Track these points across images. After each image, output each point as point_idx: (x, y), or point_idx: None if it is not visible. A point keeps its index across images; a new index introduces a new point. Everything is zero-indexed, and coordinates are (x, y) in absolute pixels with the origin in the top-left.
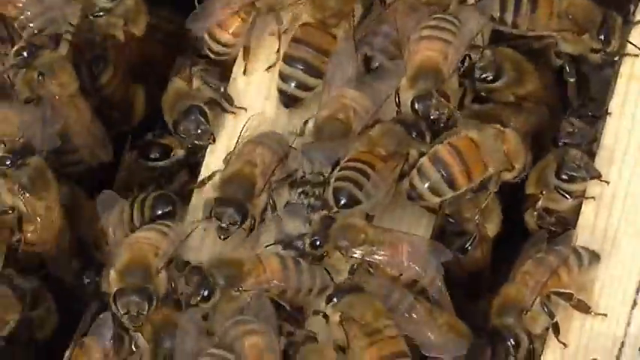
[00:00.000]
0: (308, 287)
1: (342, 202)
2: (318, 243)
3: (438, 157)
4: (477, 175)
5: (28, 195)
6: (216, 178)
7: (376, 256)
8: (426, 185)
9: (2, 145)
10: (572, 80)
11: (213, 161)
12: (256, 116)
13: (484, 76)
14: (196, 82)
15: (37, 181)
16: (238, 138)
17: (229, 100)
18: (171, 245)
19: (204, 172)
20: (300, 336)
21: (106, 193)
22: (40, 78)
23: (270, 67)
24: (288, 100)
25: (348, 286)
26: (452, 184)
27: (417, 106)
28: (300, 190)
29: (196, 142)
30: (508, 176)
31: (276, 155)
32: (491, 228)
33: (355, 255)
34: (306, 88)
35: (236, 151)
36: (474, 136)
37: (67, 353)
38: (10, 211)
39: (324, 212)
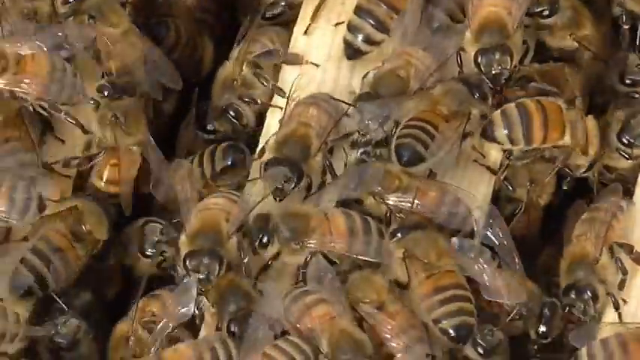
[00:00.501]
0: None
1: (405, 158)
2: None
3: (524, 106)
4: (553, 138)
5: (117, 127)
6: (271, 140)
7: (408, 202)
8: (505, 130)
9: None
10: (626, 27)
11: (273, 124)
12: (306, 75)
13: (540, 9)
14: (246, 70)
15: (130, 117)
16: (288, 98)
17: (280, 93)
18: (242, 212)
19: (263, 138)
20: (346, 264)
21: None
22: (91, 21)
23: (338, 23)
24: (353, 53)
25: (413, 222)
26: (528, 136)
27: (480, 59)
28: (361, 150)
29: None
30: (580, 161)
31: (331, 117)
32: (545, 198)
33: (389, 202)
34: (372, 42)
35: (289, 112)
36: (561, 103)
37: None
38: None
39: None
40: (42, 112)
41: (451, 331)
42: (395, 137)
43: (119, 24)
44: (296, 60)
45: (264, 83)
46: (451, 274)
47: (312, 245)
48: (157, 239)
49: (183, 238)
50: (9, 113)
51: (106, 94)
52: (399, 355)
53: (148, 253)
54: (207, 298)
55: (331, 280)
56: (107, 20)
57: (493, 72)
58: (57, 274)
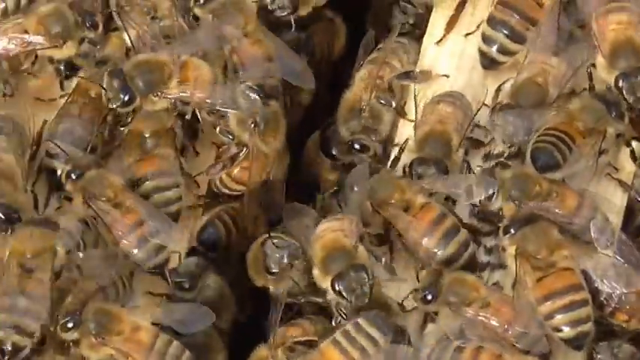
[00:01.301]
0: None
1: (541, 162)
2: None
3: None
4: None
5: (256, 133)
6: (410, 142)
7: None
8: None
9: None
10: None
11: (404, 132)
12: (435, 85)
13: None
14: (367, 96)
15: (270, 124)
16: (415, 99)
17: (406, 117)
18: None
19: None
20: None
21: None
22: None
23: (468, 34)
24: (488, 63)
25: (524, 216)
26: None
27: (621, 83)
28: (494, 162)
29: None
30: None
31: (466, 114)
32: None
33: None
34: (508, 52)
35: (423, 113)
36: None
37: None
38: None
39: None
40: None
41: (571, 339)
42: (532, 142)
43: (248, 23)
44: (426, 77)
45: (384, 102)
46: (566, 274)
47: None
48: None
49: (316, 271)
50: (160, 128)
51: (255, 97)
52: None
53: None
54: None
55: None
56: (234, 20)
57: (637, 95)
58: None
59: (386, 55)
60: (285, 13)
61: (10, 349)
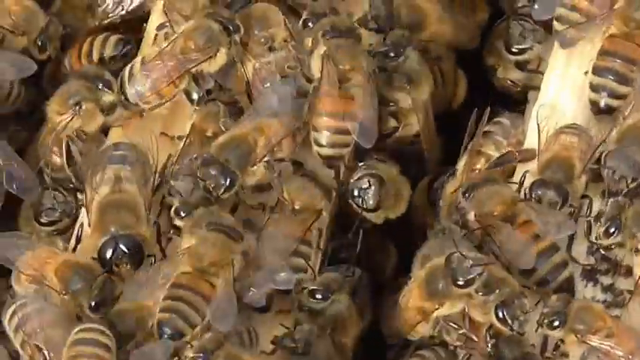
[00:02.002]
0: None
1: None
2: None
3: None
4: None
5: None
6: (533, 167)
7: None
8: None
9: None
10: None
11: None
12: (546, 106)
13: None
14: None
15: None
16: (539, 128)
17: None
18: None
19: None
20: None
21: None
22: None
23: (586, 72)
24: (600, 110)
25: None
26: None
27: None
28: (611, 199)
29: None
30: None
31: (589, 145)
32: None
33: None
34: (618, 96)
35: (547, 142)
36: None
37: None
38: None
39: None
40: None
41: None
42: None
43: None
44: (530, 156)
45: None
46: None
47: None
48: None
49: None
50: None
51: None
52: None
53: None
54: None
55: None
56: None
57: None
58: None
59: (479, 143)
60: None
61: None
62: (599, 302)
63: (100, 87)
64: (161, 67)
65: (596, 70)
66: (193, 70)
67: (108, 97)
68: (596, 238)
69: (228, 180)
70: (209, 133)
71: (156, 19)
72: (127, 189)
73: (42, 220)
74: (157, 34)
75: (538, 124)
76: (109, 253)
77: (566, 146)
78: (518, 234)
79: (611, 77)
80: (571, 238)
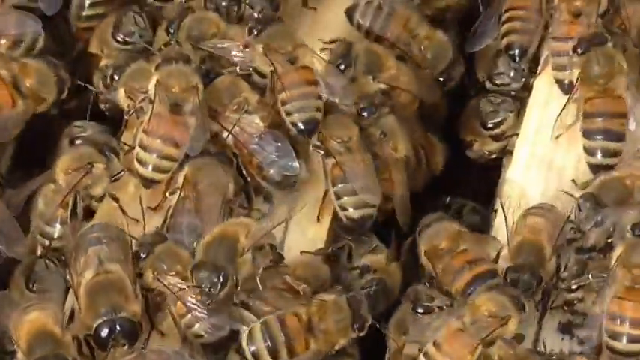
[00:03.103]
0: None
1: None
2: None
3: None
4: None
5: None
6: (504, 251)
7: None
8: None
9: None
10: None
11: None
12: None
13: None
14: None
15: None
16: (503, 209)
17: None
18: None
19: None
20: None
21: None
22: None
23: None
24: (597, 170)
25: None
26: None
27: None
28: (585, 256)
29: None
30: None
31: (556, 225)
32: None
33: None
34: (612, 154)
35: (516, 226)
36: None
37: None
38: None
39: None
40: None
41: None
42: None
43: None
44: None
45: None
46: None
47: None
48: None
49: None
50: None
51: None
52: None
53: None
54: None
55: None
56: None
57: None
58: None
59: None
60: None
61: None
62: (575, 354)
63: (107, 154)
64: None
65: (586, 134)
66: None
67: (117, 164)
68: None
69: (221, 281)
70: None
71: None
72: (110, 269)
73: (32, 288)
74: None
75: (502, 204)
76: (104, 334)
77: (534, 229)
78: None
79: (600, 137)
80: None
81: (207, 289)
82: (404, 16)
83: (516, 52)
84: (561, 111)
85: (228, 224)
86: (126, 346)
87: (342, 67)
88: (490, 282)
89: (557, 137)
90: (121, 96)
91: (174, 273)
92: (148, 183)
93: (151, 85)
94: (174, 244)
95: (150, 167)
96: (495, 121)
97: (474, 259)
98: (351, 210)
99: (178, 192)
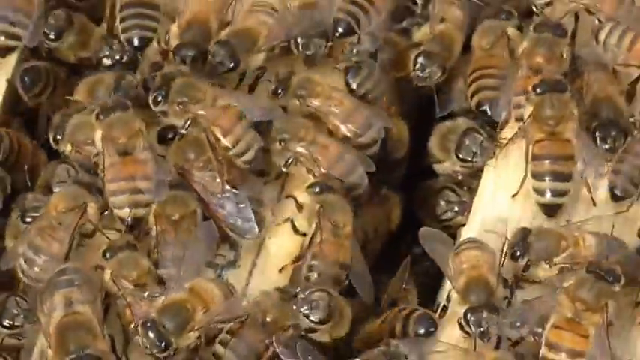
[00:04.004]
0: None
1: None
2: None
3: None
4: None
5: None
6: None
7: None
8: None
9: None
10: None
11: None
12: None
13: None
14: None
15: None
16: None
17: None
18: None
19: None
20: None
21: None
22: None
23: (514, 195)
24: (550, 211)
25: None
26: None
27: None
28: None
29: None
30: None
31: (493, 253)
32: None
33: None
34: (562, 193)
35: (454, 265)
36: None
37: None
38: None
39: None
40: None
41: None
42: None
43: None
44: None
45: None
46: None
47: None
48: None
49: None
50: None
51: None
52: None
53: None
54: None
55: None
56: None
57: None
58: None
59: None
60: None
61: None
62: None
63: (94, 193)
64: None
65: (535, 176)
66: None
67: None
68: None
69: (163, 344)
70: (175, 217)
71: None
72: (79, 310)
73: (3, 323)
74: None
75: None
76: None
77: (473, 264)
78: None
79: (549, 178)
80: None
81: (146, 348)
82: None
83: (487, 107)
84: (510, 139)
85: (196, 285)
86: None
87: None
88: None
89: (513, 196)
90: (69, 151)
91: (131, 279)
92: (132, 224)
93: (97, 140)
94: (138, 254)
95: (126, 207)
96: (449, 216)
97: None
98: None
99: (154, 228)
